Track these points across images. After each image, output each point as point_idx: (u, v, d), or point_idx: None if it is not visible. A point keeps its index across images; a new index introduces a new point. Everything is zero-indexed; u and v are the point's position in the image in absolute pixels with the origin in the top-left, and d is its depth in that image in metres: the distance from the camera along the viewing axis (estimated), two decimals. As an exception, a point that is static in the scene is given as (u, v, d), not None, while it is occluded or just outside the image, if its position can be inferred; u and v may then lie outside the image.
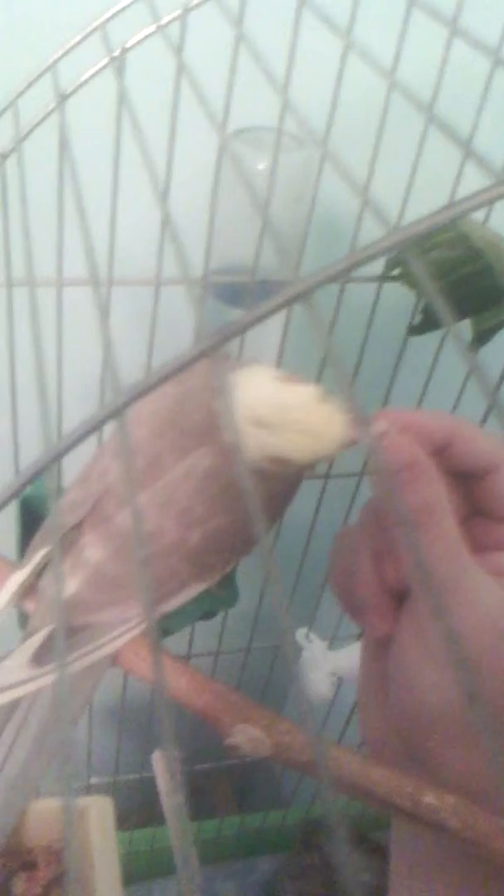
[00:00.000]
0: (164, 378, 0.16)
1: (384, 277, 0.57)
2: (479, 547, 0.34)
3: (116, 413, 0.17)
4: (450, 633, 0.13)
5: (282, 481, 0.38)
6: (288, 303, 0.16)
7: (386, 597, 0.34)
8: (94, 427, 0.17)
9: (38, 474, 0.17)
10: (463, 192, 0.52)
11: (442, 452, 0.33)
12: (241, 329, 0.16)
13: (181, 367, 0.16)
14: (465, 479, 0.34)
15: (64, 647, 0.34)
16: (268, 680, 0.91)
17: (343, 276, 0.16)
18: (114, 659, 0.39)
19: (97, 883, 0.59)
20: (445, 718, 0.32)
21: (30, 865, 0.65)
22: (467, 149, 0.23)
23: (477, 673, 0.30)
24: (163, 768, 0.93)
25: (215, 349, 0.16)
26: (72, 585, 0.38)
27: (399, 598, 0.34)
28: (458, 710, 0.31)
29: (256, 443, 0.35)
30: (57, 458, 0.17)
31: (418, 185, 0.51)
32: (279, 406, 0.35)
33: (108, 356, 0.19)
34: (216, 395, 0.37)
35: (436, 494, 0.31)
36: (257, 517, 0.14)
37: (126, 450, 0.16)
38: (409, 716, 0.33)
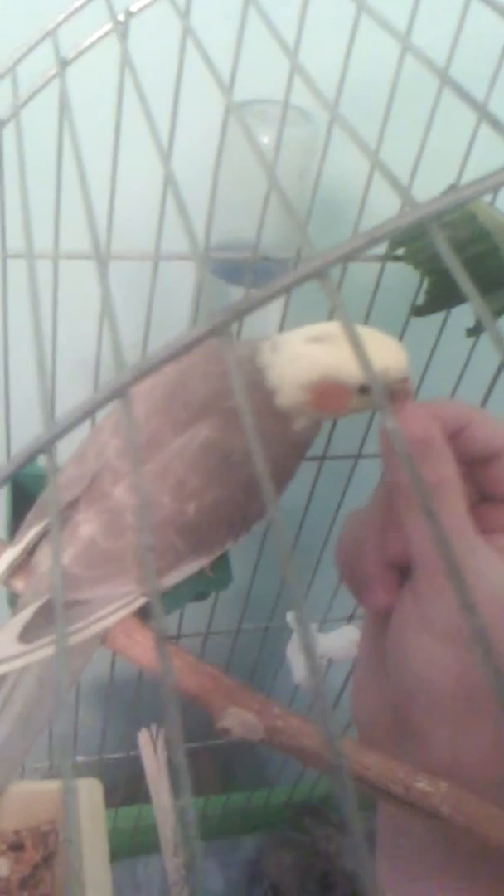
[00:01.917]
0: (172, 356, 0.15)
1: (388, 257, 0.57)
2: (486, 530, 0.34)
3: (120, 392, 0.16)
4: (467, 602, 0.13)
5: (286, 448, 0.38)
6: (304, 279, 0.15)
7: (390, 570, 0.34)
8: (98, 406, 0.16)
9: (38, 453, 0.16)
10: (473, 165, 0.52)
11: (455, 437, 0.33)
12: (254, 306, 0.15)
13: (190, 346, 0.15)
14: (474, 466, 0.34)
15: (62, 619, 0.34)
16: (257, 661, 0.91)
17: (360, 253, 0.15)
18: (104, 640, 0.39)
19: (86, 864, 0.59)
20: (440, 694, 0.32)
21: (17, 847, 0.66)
22: (482, 112, 0.22)
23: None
24: (149, 747, 0.93)
25: (225, 326, 0.15)
26: (63, 560, 0.38)
27: (402, 574, 0.34)
28: (453, 686, 0.31)
29: (311, 359, 0.36)
30: (58, 436, 0.17)
31: (427, 160, 0.51)
32: (340, 326, 0.36)
33: (113, 333, 0.18)
34: (226, 368, 0.37)
35: (448, 471, 0.31)
36: (264, 476, 0.14)
37: (131, 428, 0.16)
38: (404, 690, 0.33)
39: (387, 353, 0.36)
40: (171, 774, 0.90)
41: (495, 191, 0.15)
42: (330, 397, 0.36)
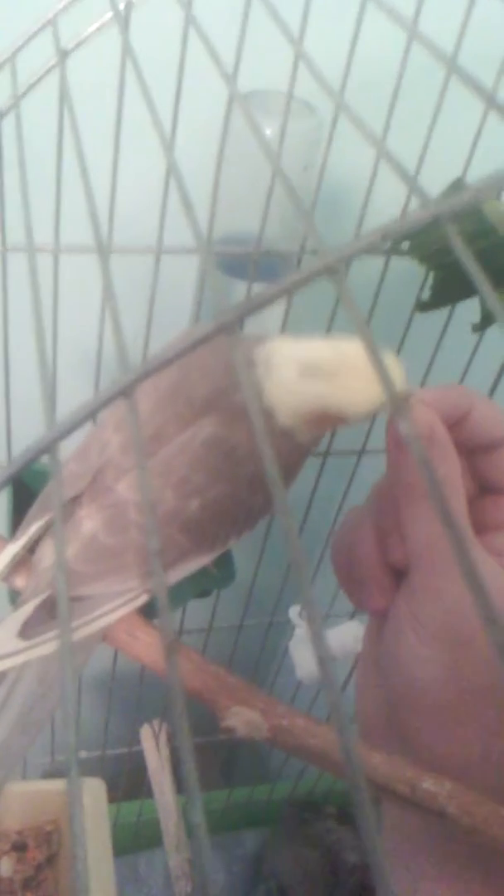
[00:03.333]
0: (180, 355, 0.15)
1: (392, 251, 0.56)
2: (482, 528, 0.34)
3: (125, 391, 0.16)
4: (489, 616, 0.12)
5: (289, 451, 0.37)
6: (316, 275, 0.14)
7: (386, 571, 0.34)
8: (101, 406, 0.16)
9: (42, 454, 0.16)
10: (479, 156, 0.51)
11: (459, 425, 0.33)
12: (264, 303, 0.15)
13: (199, 343, 0.15)
14: (474, 454, 0.34)
15: (67, 613, 0.33)
16: (259, 657, 0.91)
17: (375, 248, 0.14)
18: (104, 637, 0.38)
19: (90, 863, 0.59)
20: (432, 695, 0.32)
21: (20, 847, 0.66)
22: (490, 100, 0.22)
23: (475, 654, 0.31)
24: (151, 742, 0.93)
25: (235, 324, 0.15)
26: (66, 556, 0.38)
27: (398, 576, 0.34)
28: (445, 687, 0.31)
29: (308, 395, 0.34)
30: (61, 437, 0.16)
31: (433, 151, 0.50)
32: (337, 355, 0.34)
33: (116, 330, 0.18)
34: (234, 368, 0.36)
35: (451, 471, 0.31)
36: (273, 474, 0.13)
37: (136, 427, 0.15)
38: (398, 691, 0.33)
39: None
40: (173, 770, 0.90)
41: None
42: (327, 424, 0.36)
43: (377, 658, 0.36)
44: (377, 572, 0.34)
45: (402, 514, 0.33)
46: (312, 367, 0.34)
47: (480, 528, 0.34)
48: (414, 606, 0.32)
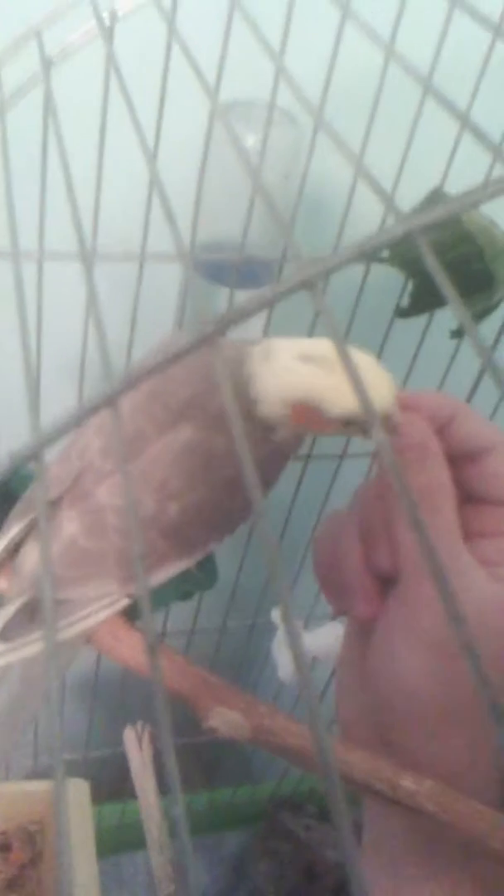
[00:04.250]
0: (162, 366, 0.15)
1: (372, 259, 0.57)
2: (467, 535, 0.34)
3: (109, 401, 0.16)
4: (456, 615, 0.13)
5: (268, 454, 0.38)
6: (294, 289, 0.15)
7: (373, 580, 0.34)
8: (86, 415, 0.16)
9: (26, 461, 0.16)
10: (457, 166, 0.52)
11: (441, 433, 0.33)
12: (244, 315, 0.15)
13: (180, 356, 0.15)
14: (457, 464, 0.34)
15: (52, 617, 0.34)
16: (242, 658, 0.91)
17: (357, 260, 0.15)
18: (89, 639, 0.39)
19: (73, 864, 0.59)
20: (422, 703, 0.32)
21: (4, 847, 0.66)
22: (464, 120, 0.22)
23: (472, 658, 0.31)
24: (134, 744, 0.93)
25: (215, 336, 0.15)
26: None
27: (386, 583, 0.34)
28: (435, 696, 0.31)
29: (295, 377, 0.34)
30: (45, 444, 0.17)
31: (412, 161, 0.51)
32: (334, 348, 0.35)
33: (100, 339, 0.18)
34: (214, 374, 0.37)
35: (441, 478, 0.31)
36: (252, 480, 0.14)
37: (119, 436, 0.16)
38: (386, 698, 0.33)
39: (374, 391, 0.34)
40: (156, 771, 0.90)
41: (487, 201, 0.15)
42: (309, 419, 0.36)
43: (359, 662, 0.36)
44: (363, 580, 0.34)
45: (395, 522, 0.33)
46: (310, 355, 0.35)
47: (467, 535, 0.34)
48: (405, 616, 0.32)
